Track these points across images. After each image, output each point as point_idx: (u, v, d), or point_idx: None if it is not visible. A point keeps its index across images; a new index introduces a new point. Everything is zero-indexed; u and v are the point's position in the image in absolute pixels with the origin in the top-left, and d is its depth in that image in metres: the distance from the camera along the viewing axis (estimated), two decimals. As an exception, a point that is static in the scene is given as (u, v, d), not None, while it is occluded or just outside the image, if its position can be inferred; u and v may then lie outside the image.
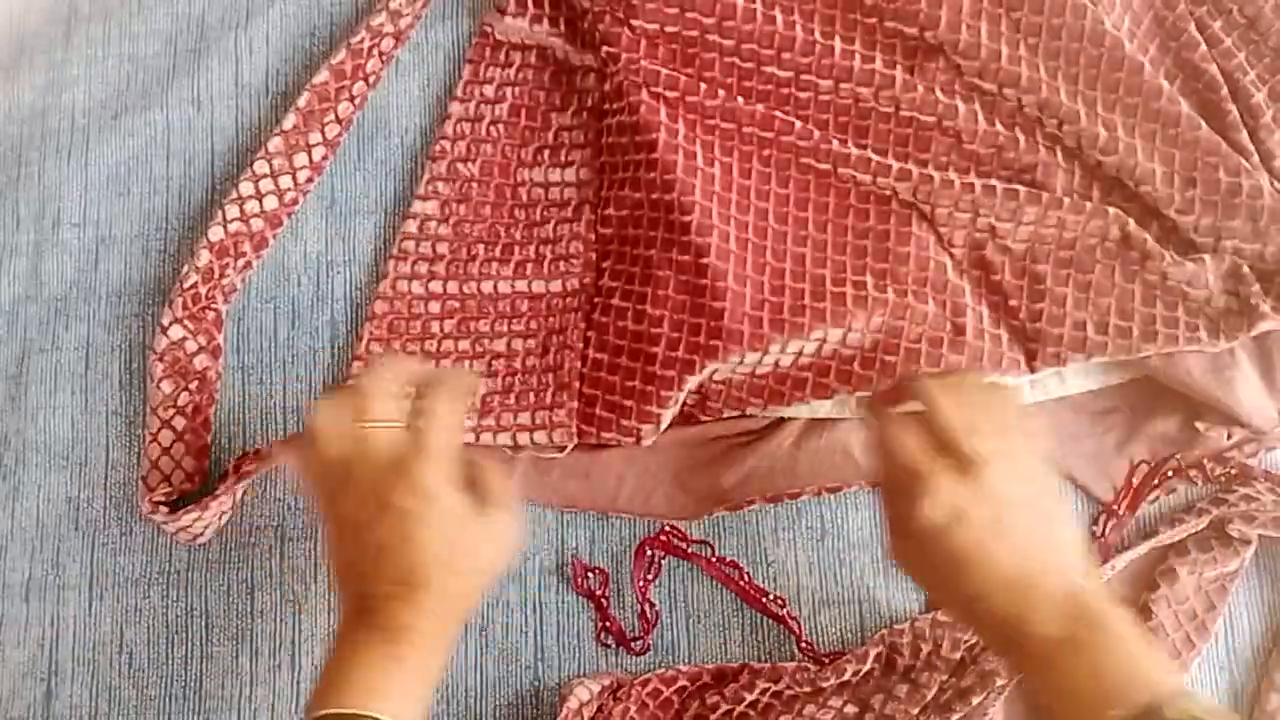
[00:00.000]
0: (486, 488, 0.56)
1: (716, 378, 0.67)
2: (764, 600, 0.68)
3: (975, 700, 0.63)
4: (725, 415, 0.68)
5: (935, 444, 0.55)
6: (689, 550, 0.68)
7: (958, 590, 0.54)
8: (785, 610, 0.68)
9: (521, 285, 0.70)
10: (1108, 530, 0.69)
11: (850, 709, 0.64)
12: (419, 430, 0.55)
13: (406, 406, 0.56)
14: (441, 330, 0.70)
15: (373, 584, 0.54)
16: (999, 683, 0.63)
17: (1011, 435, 0.55)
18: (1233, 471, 0.69)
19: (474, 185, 0.72)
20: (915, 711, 0.64)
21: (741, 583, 0.68)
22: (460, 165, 0.72)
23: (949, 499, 0.53)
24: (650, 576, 0.68)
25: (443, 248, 0.71)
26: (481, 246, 0.71)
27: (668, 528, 0.68)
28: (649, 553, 0.68)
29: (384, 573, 0.54)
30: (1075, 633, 0.52)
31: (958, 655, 0.66)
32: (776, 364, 0.67)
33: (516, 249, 0.71)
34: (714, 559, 0.68)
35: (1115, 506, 0.69)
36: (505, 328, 0.70)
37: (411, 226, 0.72)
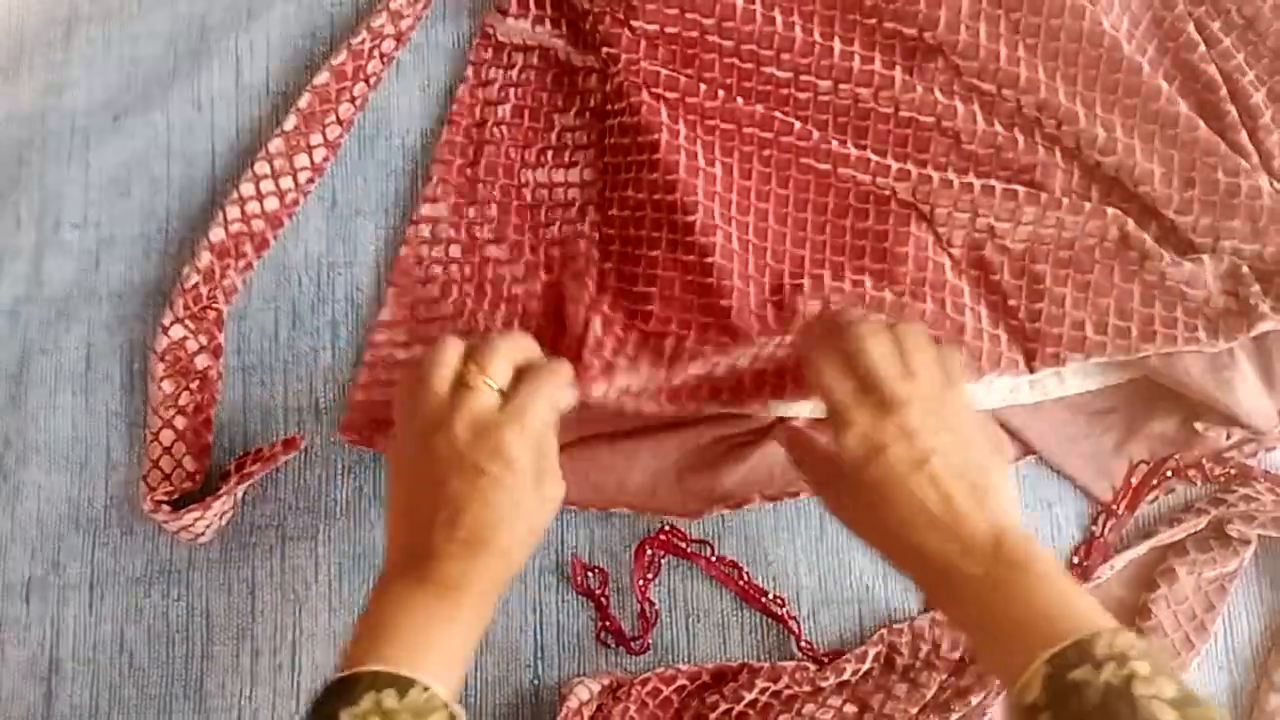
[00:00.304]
0: (544, 454, 0.57)
1: (719, 372, 0.67)
2: (763, 600, 0.68)
3: (974, 700, 0.64)
4: (727, 410, 0.67)
5: (860, 384, 0.56)
6: (689, 550, 0.68)
7: (882, 527, 0.55)
8: (784, 610, 0.68)
9: (533, 286, 0.70)
10: (1106, 530, 0.69)
11: (850, 708, 0.64)
12: (523, 402, 0.56)
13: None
14: (455, 329, 0.70)
15: (436, 537, 0.55)
16: (998, 682, 0.63)
17: (935, 380, 0.56)
18: (1232, 472, 0.69)
19: (480, 186, 0.72)
20: (914, 711, 0.64)
21: (741, 582, 0.68)
22: (468, 168, 0.73)
23: (867, 433, 0.54)
24: (650, 576, 0.68)
25: (455, 250, 0.71)
26: (492, 247, 0.71)
27: (667, 527, 0.68)
28: (649, 552, 0.68)
29: (453, 528, 0.54)
30: (998, 572, 0.52)
31: (957, 654, 0.66)
32: (773, 357, 0.67)
33: (526, 249, 0.71)
34: (714, 559, 0.68)
35: (1114, 506, 0.69)
36: (516, 327, 0.70)
37: (424, 230, 0.72)
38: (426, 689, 0.50)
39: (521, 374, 0.58)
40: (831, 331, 0.59)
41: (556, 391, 0.58)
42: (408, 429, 0.58)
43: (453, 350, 0.58)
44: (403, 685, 0.50)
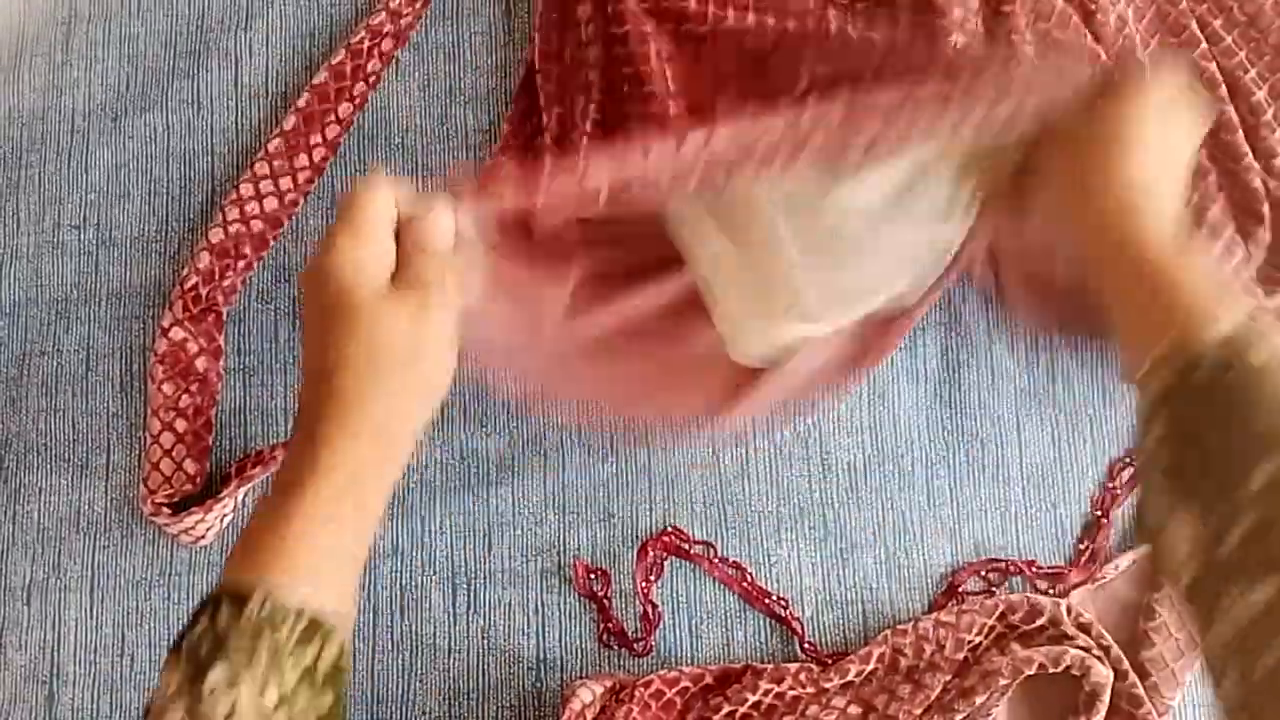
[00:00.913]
0: (417, 272, 0.47)
1: None
2: (766, 601, 0.68)
3: (979, 700, 0.63)
4: None
5: None
6: (691, 551, 0.68)
7: (1100, 175, 0.52)
8: (788, 611, 0.68)
9: None
10: (1098, 539, 0.69)
11: (854, 709, 0.64)
12: (347, 207, 0.47)
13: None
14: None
15: (306, 412, 0.46)
16: (1001, 682, 0.63)
17: None
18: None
19: None
20: (918, 712, 0.64)
21: (744, 584, 0.68)
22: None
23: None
24: (652, 578, 0.68)
25: None
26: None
27: (670, 529, 0.68)
28: (651, 554, 0.68)
29: (308, 389, 0.46)
30: (1188, 244, 0.50)
31: (961, 655, 0.65)
32: None
33: None
34: (716, 559, 0.68)
35: (1101, 516, 0.69)
36: None
37: None
38: (266, 597, 0.41)
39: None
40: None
41: (365, 203, 0.47)
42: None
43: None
44: (240, 595, 0.41)
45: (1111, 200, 0.52)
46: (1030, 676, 0.63)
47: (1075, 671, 0.63)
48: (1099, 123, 0.54)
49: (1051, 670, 0.63)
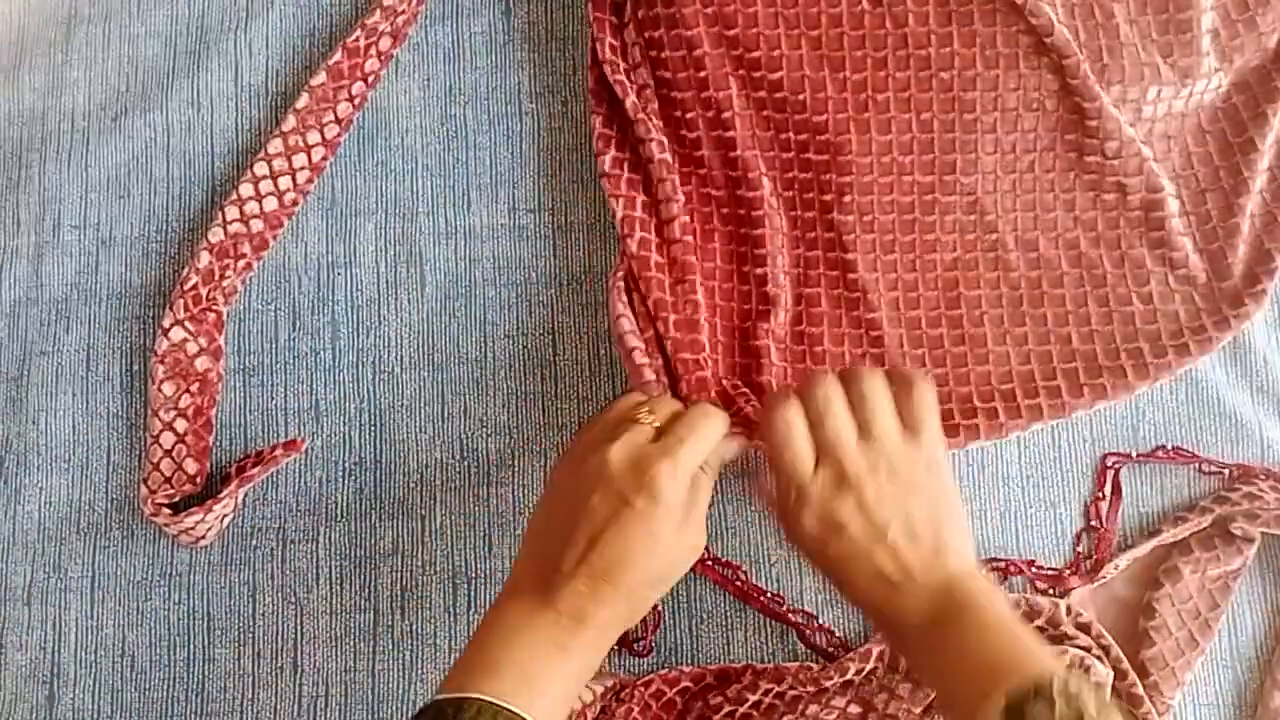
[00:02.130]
0: (695, 499, 0.57)
1: None
2: (763, 599, 0.68)
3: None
4: None
5: (818, 454, 0.57)
6: None
7: (843, 590, 0.58)
8: (785, 608, 0.68)
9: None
10: (1100, 547, 0.69)
11: (854, 709, 0.64)
12: (676, 439, 0.56)
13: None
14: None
15: (566, 560, 0.54)
16: None
17: (895, 439, 0.58)
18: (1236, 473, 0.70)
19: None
20: (918, 710, 0.64)
21: (738, 583, 0.68)
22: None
23: (825, 513, 0.56)
24: None
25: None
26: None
27: None
28: None
29: (588, 559, 0.54)
30: (942, 615, 0.54)
31: None
32: None
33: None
34: (709, 561, 0.68)
35: (1095, 523, 0.69)
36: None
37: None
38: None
39: (680, 416, 0.59)
40: (794, 393, 0.60)
41: (711, 433, 0.58)
42: (570, 455, 0.59)
43: (632, 396, 0.61)
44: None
45: (855, 602, 0.58)
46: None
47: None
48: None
49: None
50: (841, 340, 0.70)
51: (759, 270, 0.70)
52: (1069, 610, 0.65)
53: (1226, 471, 0.70)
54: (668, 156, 0.71)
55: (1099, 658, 0.64)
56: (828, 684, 0.64)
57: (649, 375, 0.66)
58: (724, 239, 0.72)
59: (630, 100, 0.71)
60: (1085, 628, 0.65)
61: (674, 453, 0.55)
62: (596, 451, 0.56)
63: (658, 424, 0.57)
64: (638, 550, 0.54)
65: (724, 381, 0.68)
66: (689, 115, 0.71)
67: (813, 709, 0.64)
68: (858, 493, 0.56)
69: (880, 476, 0.56)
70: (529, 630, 0.53)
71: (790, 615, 0.67)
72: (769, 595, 0.68)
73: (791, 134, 0.70)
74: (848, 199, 0.70)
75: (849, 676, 0.65)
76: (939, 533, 0.56)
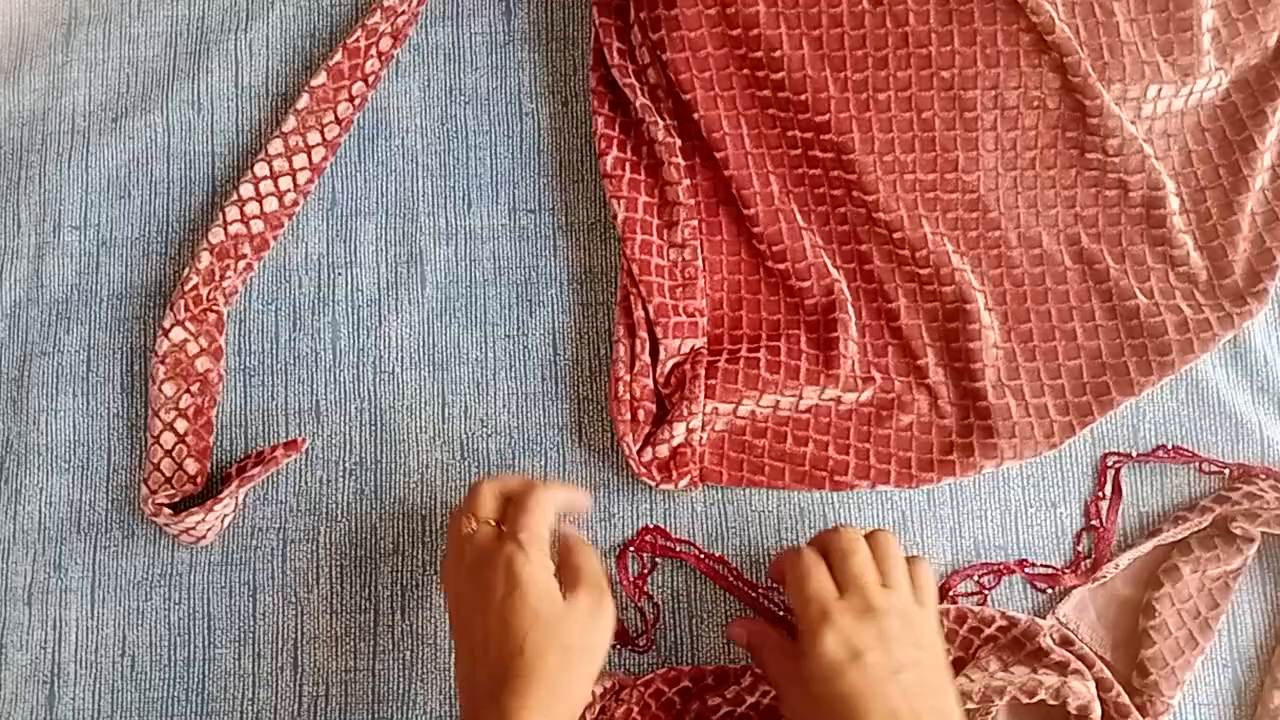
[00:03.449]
0: (577, 568, 0.58)
1: None
2: (754, 595, 0.68)
3: (970, 704, 0.63)
4: None
5: (840, 588, 0.58)
6: (676, 549, 0.68)
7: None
8: (772, 602, 0.67)
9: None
10: (1099, 546, 0.69)
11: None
12: (513, 521, 0.58)
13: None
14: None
15: (478, 681, 0.55)
16: (970, 706, 0.62)
17: (908, 595, 0.59)
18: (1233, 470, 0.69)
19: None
20: None
21: (730, 577, 0.68)
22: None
23: (848, 636, 0.55)
24: (646, 572, 0.68)
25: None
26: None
27: (651, 527, 0.68)
28: (630, 556, 0.68)
29: (486, 663, 0.55)
30: None
31: (952, 656, 0.65)
32: None
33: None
34: (702, 555, 0.68)
35: (1094, 522, 0.69)
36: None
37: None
38: None
39: (513, 500, 0.60)
40: (812, 543, 0.61)
41: (541, 503, 0.59)
42: (447, 596, 0.60)
43: (455, 518, 0.61)
44: None
45: None
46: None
47: (1051, 701, 0.62)
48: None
49: (1025, 701, 0.62)
50: (863, 331, 0.71)
51: (780, 265, 0.71)
52: (1051, 629, 0.65)
53: (1227, 471, 0.70)
54: (679, 159, 0.71)
55: (1077, 672, 0.63)
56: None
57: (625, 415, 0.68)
58: (733, 243, 0.72)
59: (641, 102, 0.71)
60: (1067, 641, 0.65)
61: (513, 531, 0.57)
62: (459, 574, 0.58)
63: (491, 519, 0.59)
64: (523, 629, 0.55)
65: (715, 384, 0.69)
66: (695, 116, 0.71)
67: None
68: (880, 625, 0.56)
69: (900, 617, 0.57)
70: None
71: (780, 609, 0.67)
72: (759, 590, 0.68)
73: (797, 132, 0.70)
74: (855, 194, 0.70)
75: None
76: (946, 697, 0.56)
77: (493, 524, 0.59)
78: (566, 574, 0.58)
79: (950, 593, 0.68)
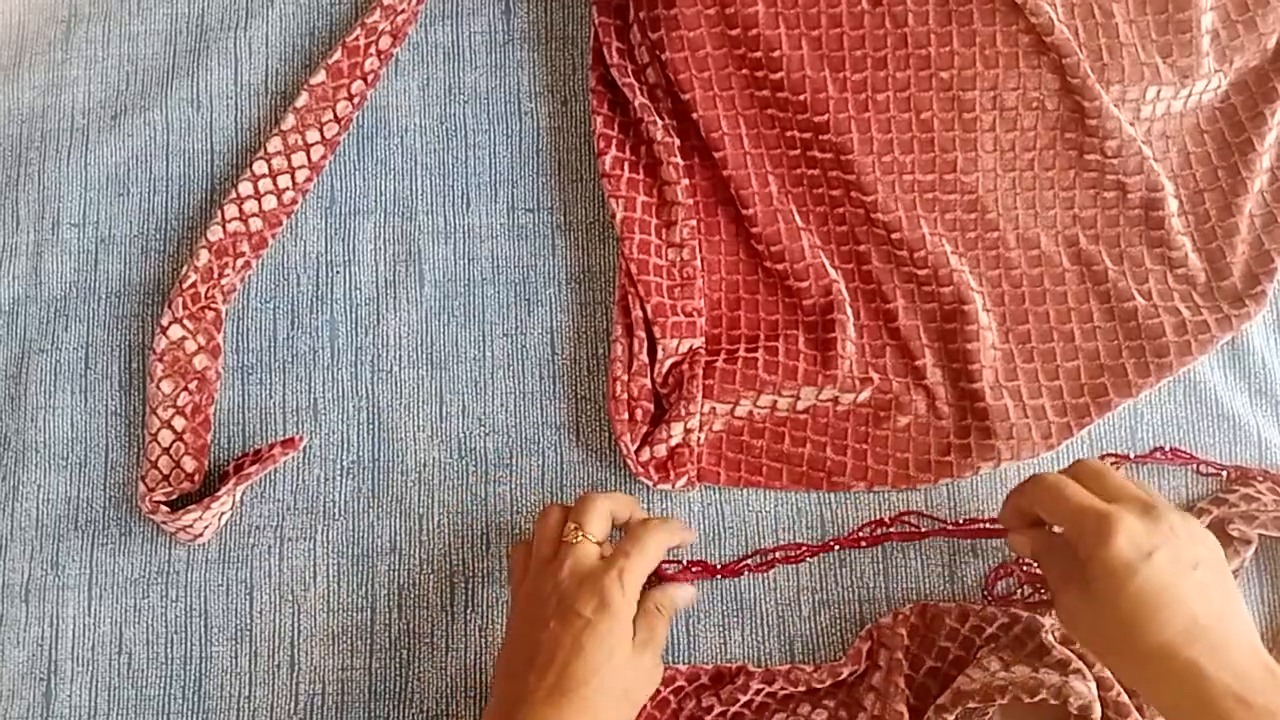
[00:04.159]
0: (653, 628, 0.59)
1: None
2: (748, 563, 0.68)
3: (972, 703, 0.63)
4: None
5: (1111, 496, 0.56)
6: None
7: (1140, 640, 0.52)
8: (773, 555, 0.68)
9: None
10: None
11: (843, 711, 0.64)
12: (623, 554, 0.58)
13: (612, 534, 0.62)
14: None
15: (528, 682, 0.56)
16: (971, 705, 0.62)
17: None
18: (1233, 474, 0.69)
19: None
20: (906, 712, 0.63)
21: (720, 567, 0.68)
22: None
23: (1137, 535, 0.53)
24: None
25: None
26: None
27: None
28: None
29: (544, 673, 0.55)
30: (1271, 702, 0.50)
31: (932, 663, 0.65)
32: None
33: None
34: (691, 565, 0.67)
35: None
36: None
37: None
38: None
39: (629, 529, 0.61)
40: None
41: (656, 544, 0.60)
42: (519, 592, 0.60)
43: (554, 514, 0.61)
44: None
45: (1153, 665, 0.52)
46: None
47: (1052, 701, 0.62)
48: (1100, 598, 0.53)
49: (1027, 700, 0.61)
50: (861, 332, 0.71)
51: (778, 265, 0.71)
52: (1055, 621, 0.65)
53: (1224, 473, 0.70)
54: (678, 159, 0.71)
55: (1078, 671, 0.63)
56: (819, 685, 0.64)
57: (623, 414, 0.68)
58: (731, 243, 0.72)
59: (640, 101, 0.71)
60: (1068, 640, 0.65)
61: (620, 565, 0.57)
62: (546, 577, 0.58)
63: (595, 538, 0.59)
64: (597, 661, 0.55)
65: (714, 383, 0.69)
66: (694, 115, 0.71)
67: (804, 708, 0.64)
68: (1166, 521, 0.54)
69: (1178, 518, 0.55)
70: None
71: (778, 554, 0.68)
72: (743, 561, 0.68)
73: (796, 132, 0.70)
74: (854, 194, 0.70)
75: (842, 678, 0.65)
76: (1238, 599, 0.54)
77: (595, 542, 0.59)
78: (643, 631, 0.59)
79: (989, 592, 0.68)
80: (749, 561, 0.68)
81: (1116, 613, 0.53)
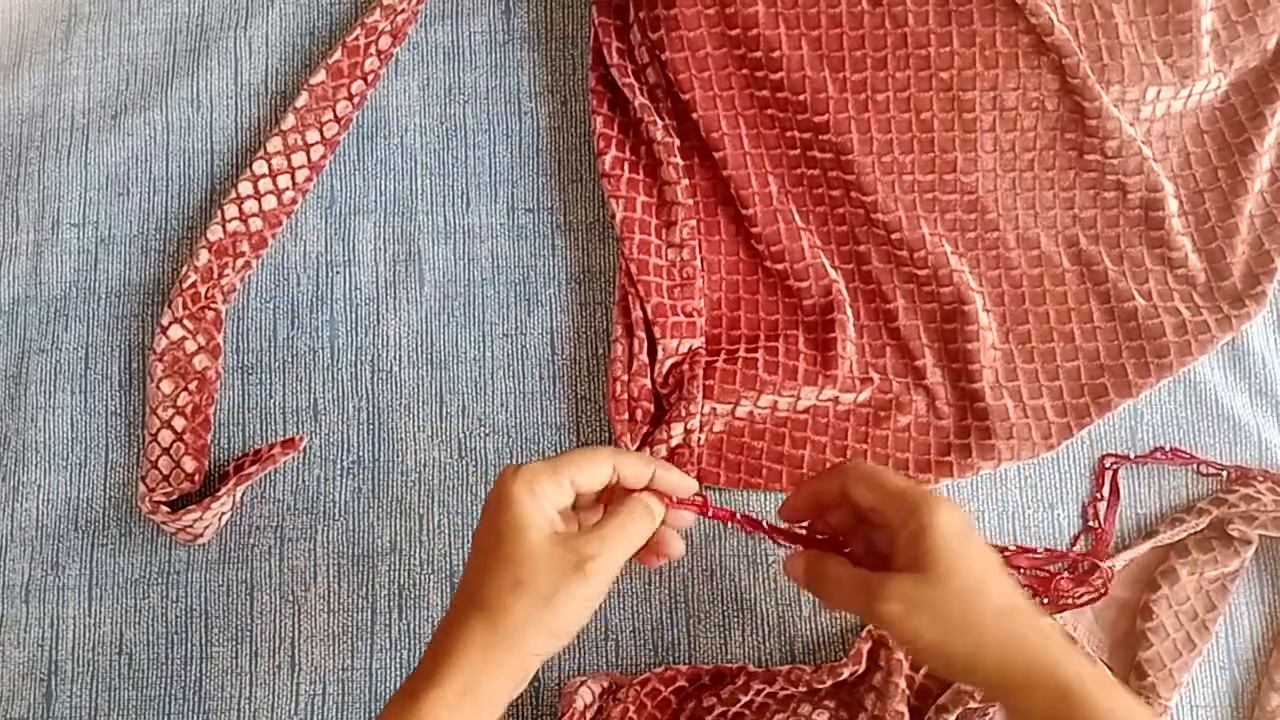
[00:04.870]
0: (598, 535, 0.53)
1: None
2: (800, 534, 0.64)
3: (973, 703, 0.63)
4: None
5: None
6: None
7: (991, 601, 0.53)
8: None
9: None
10: (1097, 548, 0.69)
11: (843, 714, 0.64)
12: (548, 461, 0.54)
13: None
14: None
15: (456, 628, 0.52)
16: (971, 704, 0.62)
17: None
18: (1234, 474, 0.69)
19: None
20: (906, 712, 0.63)
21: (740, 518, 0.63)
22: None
23: (955, 514, 0.53)
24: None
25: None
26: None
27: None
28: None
29: (456, 592, 0.53)
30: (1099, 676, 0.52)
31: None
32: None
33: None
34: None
35: (1093, 524, 0.69)
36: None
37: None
38: None
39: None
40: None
41: (593, 459, 0.55)
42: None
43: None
44: None
45: (993, 644, 0.52)
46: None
47: None
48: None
49: None
50: (861, 332, 0.71)
51: (778, 266, 0.71)
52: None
53: (1224, 473, 0.70)
54: (678, 159, 0.71)
55: None
56: (820, 686, 0.64)
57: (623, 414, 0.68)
58: (731, 243, 0.72)
59: (640, 101, 0.71)
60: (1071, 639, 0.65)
61: (533, 464, 0.53)
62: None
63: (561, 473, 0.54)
64: (486, 553, 0.52)
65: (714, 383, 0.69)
66: (694, 115, 0.71)
67: (805, 709, 0.64)
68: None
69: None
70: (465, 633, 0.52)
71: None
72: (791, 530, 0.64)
73: (796, 133, 0.70)
74: (854, 195, 0.70)
75: (842, 678, 0.65)
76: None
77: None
78: (583, 527, 0.54)
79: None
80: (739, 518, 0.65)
81: (965, 578, 0.52)
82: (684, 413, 0.67)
